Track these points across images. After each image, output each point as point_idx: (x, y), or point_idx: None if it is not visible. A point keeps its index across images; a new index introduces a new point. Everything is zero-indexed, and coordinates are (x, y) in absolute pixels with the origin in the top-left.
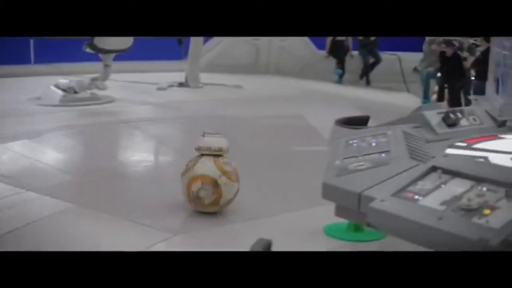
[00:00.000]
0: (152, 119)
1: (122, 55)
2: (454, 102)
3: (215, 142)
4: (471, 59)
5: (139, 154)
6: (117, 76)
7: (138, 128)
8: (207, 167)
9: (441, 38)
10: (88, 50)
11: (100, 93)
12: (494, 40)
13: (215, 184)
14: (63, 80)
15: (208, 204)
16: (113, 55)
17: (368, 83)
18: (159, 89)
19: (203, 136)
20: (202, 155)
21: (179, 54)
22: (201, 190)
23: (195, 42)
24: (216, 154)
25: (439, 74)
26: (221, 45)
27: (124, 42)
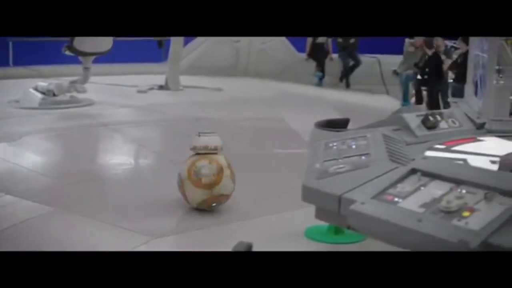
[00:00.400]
0: (132, 122)
1: (102, 58)
2: (433, 104)
3: (211, 141)
4: (448, 62)
5: (119, 157)
6: (97, 79)
7: (118, 131)
8: (217, 156)
9: (421, 40)
10: (67, 52)
11: (79, 96)
12: (473, 42)
13: (220, 169)
14: (42, 83)
15: (203, 184)
16: (92, 57)
17: (348, 85)
18: (139, 91)
19: (199, 136)
20: (198, 154)
21: (159, 56)
22: (204, 167)
23: (175, 44)
24: (212, 153)
25: (419, 77)
26: (201, 47)
27: (104, 44)
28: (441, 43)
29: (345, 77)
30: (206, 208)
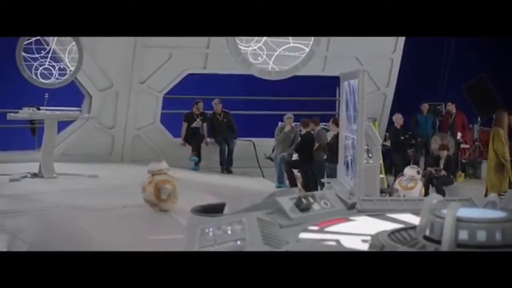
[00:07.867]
0: (5, 212)
1: None
2: (309, 185)
3: (163, 165)
4: (323, 144)
5: None
6: None
7: None
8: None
9: (292, 123)
10: None
11: None
12: (343, 125)
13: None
14: None
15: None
16: None
17: (224, 169)
18: (12, 180)
19: (158, 163)
20: (153, 175)
21: (33, 143)
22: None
23: (48, 131)
24: (164, 172)
25: (294, 157)
26: (75, 134)
27: None
28: (316, 126)
29: (227, 163)
30: None
